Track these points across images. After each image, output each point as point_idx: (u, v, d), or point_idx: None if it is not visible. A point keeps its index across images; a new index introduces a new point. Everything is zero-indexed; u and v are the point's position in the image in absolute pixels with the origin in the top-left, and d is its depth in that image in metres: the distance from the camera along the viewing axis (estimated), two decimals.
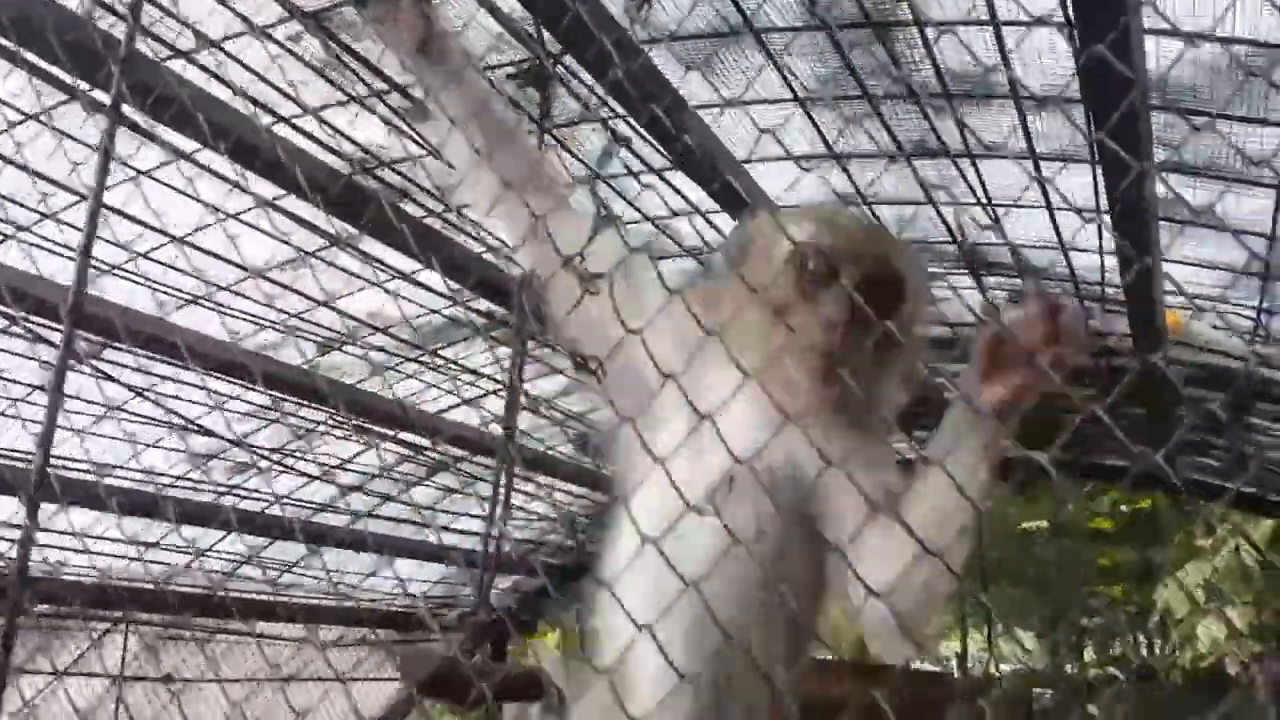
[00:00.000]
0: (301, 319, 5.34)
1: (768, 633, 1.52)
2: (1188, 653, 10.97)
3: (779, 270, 1.55)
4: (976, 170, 3.82)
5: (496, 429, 6.80)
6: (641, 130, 3.92)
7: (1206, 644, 10.60)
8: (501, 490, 3.76)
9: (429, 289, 5.26)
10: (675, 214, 4.61)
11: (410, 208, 4.76)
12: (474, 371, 6.16)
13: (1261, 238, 3.67)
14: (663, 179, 4.34)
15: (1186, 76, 3.06)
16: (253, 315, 5.24)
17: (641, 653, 1.39)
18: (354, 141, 4.37)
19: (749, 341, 1.49)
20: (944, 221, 4.21)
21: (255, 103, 4.08)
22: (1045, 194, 3.79)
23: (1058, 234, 4.03)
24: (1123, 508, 9.70)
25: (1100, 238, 3.90)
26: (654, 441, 1.43)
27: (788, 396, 1.46)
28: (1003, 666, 17.77)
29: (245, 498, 6.66)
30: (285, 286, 5.11)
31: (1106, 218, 3.65)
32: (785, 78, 3.55)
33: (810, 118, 3.77)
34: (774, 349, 1.49)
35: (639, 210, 4.53)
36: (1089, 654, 15.28)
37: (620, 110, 3.82)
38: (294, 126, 4.18)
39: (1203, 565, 10.28)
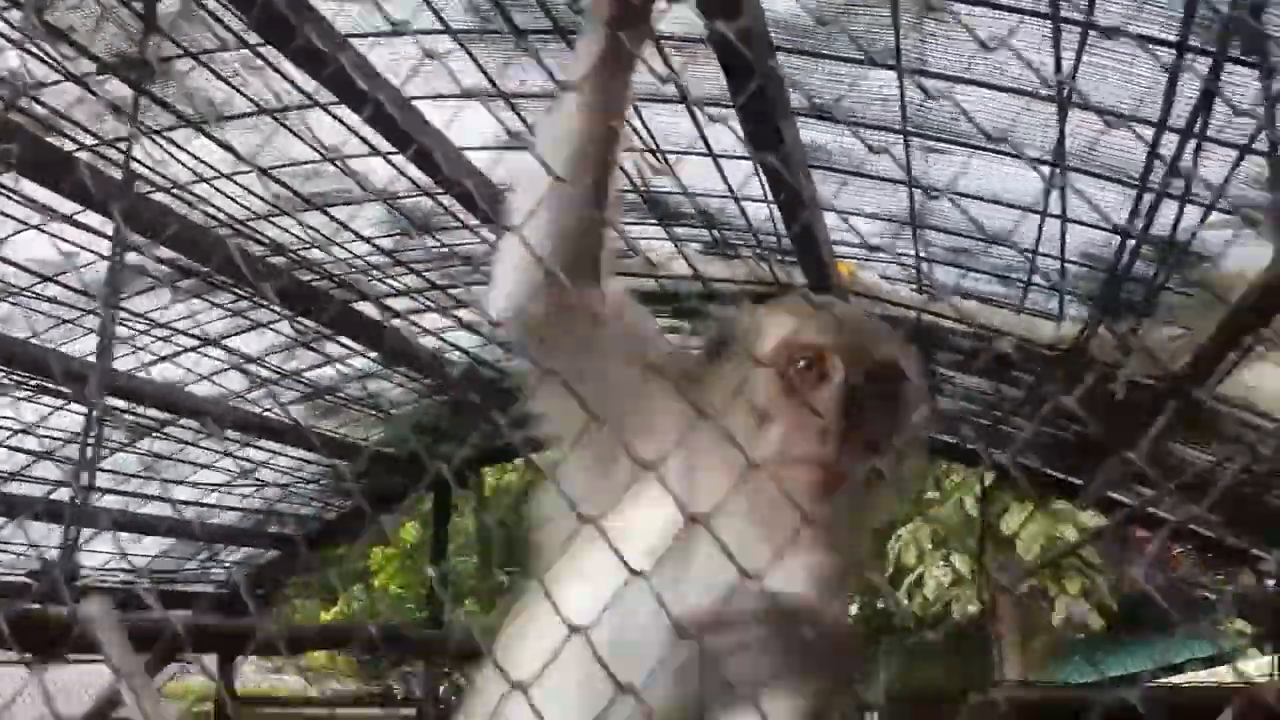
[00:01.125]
0: None
1: None
2: (917, 599, 11.70)
3: (764, 367, 1.42)
4: (639, 116, 3.81)
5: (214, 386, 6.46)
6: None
7: (933, 591, 11.32)
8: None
9: (98, 233, 4.87)
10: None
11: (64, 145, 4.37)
12: (166, 325, 5.77)
13: (903, 185, 3.83)
14: (342, 122, 4.15)
15: (808, 17, 3.13)
16: None
17: None
18: None
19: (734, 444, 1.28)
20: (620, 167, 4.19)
21: None
22: (706, 141, 3.83)
23: (726, 182, 4.09)
24: None
25: (763, 187, 3.97)
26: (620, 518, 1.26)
27: (774, 510, 1.30)
28: None
29: None
30: None
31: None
32: (436, 11, 3.42)
33: (469, 53, 3.67)
34: (762, 456, 1.32)
35: (320, 150, 4.29)
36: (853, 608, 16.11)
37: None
38: None
39: (933, 517, 10.98)
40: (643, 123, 3.84)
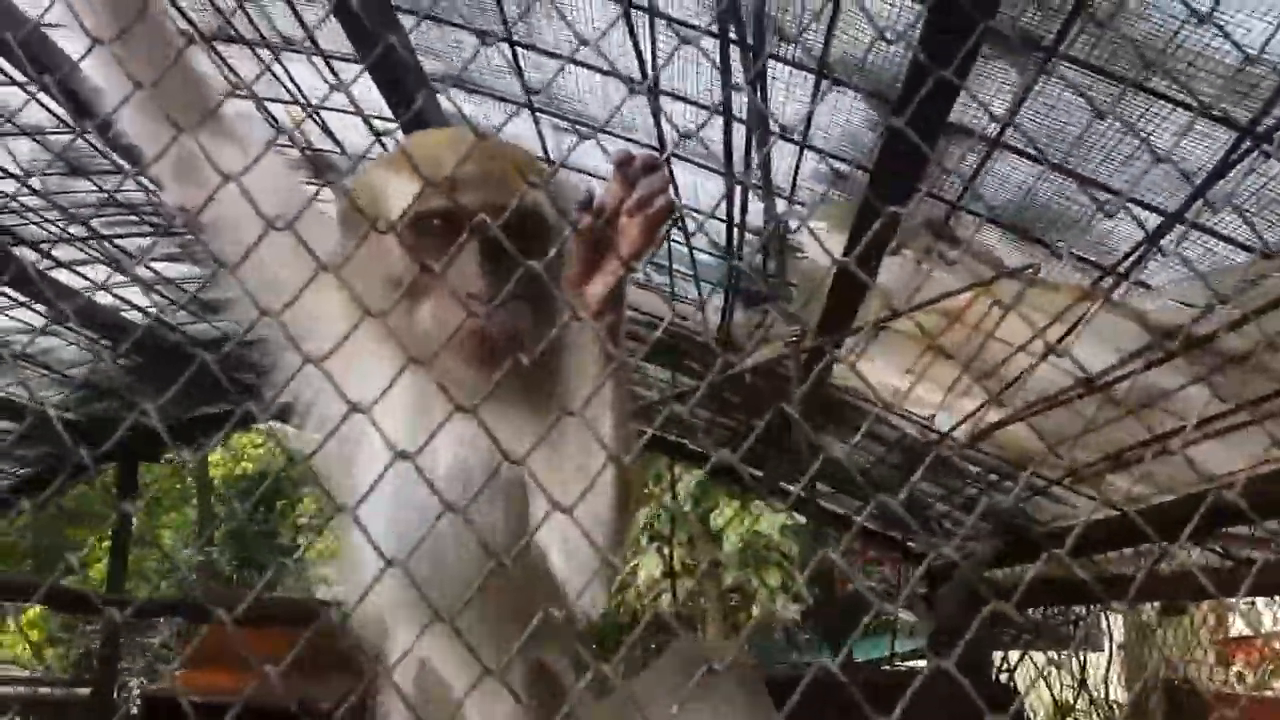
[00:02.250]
0: None
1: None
2: (630, 591, 12.05)
3: (390, 244, 1.37)
4: (284, 68, 3.80)
5: None
6: None
7: (645, 583, 11.71)
8: None
9: None
10: None
11: None
12: None
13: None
14: None
15: None
16: None
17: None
18: None
19: (397, 328, 1.36)
20: (273, 121, 4.17)
21: None
22: (352, 99, 3.86)
23: (381, 143, 4.12)
24: None
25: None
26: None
27: (453, 387, 1.26)
28: None
29: None
30: None
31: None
32: None
33: None
34: (419, 333, 1.34)
35: None
36: None
37: None
38: None
39: (649, 509, 11.35)
40: (290, 78, 3.84)
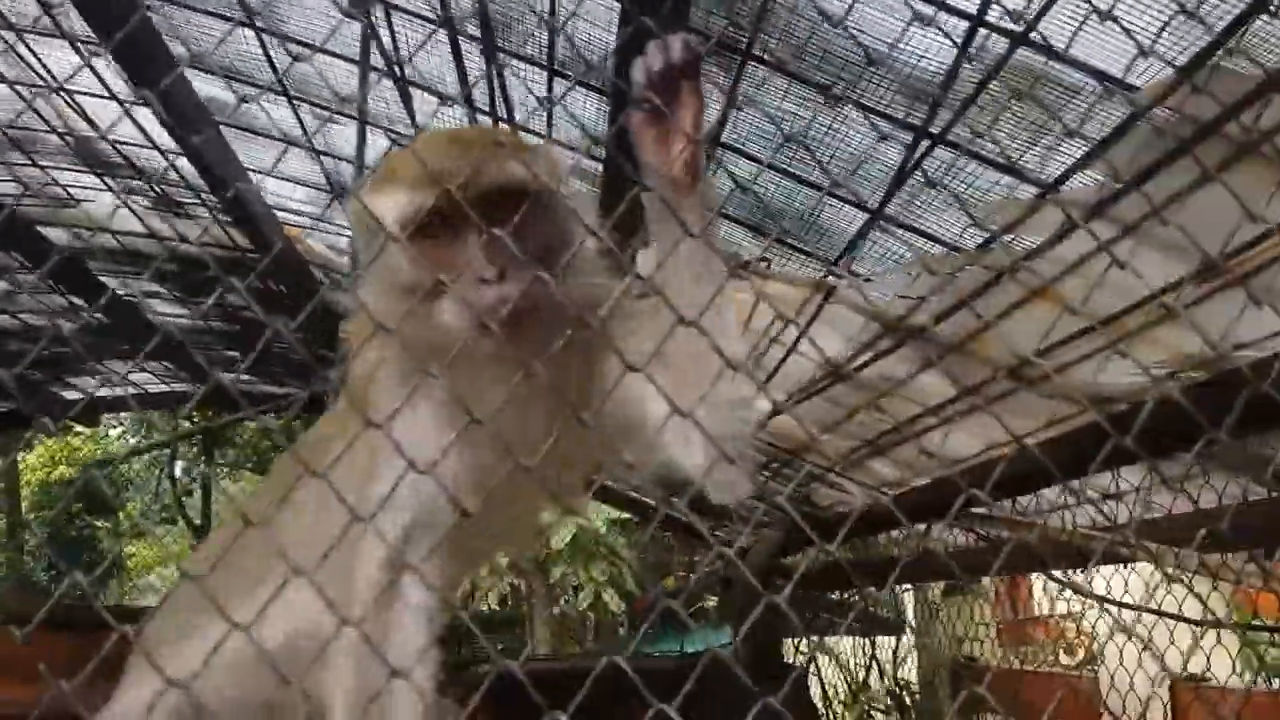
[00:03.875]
0: None
1: None
2: (582, 599, 11.64)
3: (400, 251, 1.33)
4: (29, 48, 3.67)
5: None
6: None
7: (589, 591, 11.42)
8: None
9: None
10: None
11: None
12: None
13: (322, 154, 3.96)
14: None
15: None
16: None
17: None
18: None
19: (426, 339, 1.36)
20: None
21: None
22: (103, 81, 3.75)
23: (145, 135, 4.01)
24: None
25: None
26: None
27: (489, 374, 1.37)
28: None
29: None
30: None
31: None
32: None
33: None
34: (442, 334, 1.34)
35: None
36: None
37: None
38: None
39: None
40: (37, 58, 3.70)
